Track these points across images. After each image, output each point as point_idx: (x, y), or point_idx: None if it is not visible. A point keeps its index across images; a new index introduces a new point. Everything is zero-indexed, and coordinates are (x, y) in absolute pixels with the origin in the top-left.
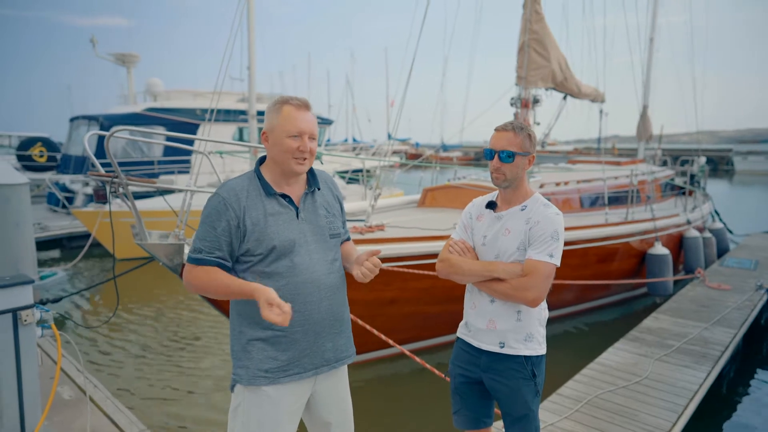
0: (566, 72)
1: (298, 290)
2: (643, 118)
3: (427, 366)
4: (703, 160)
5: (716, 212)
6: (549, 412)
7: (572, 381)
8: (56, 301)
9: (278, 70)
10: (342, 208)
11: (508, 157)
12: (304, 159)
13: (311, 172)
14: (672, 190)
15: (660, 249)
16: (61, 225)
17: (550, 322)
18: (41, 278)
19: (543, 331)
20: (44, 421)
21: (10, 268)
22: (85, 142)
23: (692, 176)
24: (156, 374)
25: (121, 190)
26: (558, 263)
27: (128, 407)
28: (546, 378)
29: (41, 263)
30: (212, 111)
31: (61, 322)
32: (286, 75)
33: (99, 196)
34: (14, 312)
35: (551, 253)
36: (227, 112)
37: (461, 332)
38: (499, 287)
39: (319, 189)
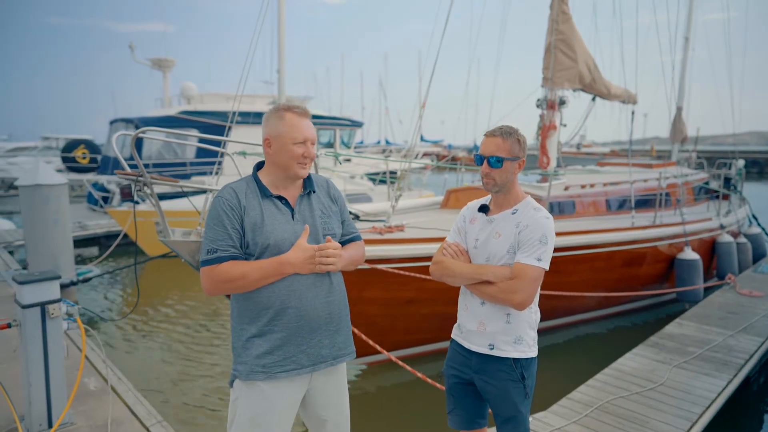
0: (595, 73)
1: (293, 287)
2: (677, 119)
3: (427, 379)
4: (741, 162)
5: (754, 217)
6: (557, 416)
7: (584, 386)
8: (86, 281)
9: (312, 72)
10: (342, 208)
11: (497, 162)
12: (307, 163)
13: (307, 176)
14: (706, 193)
15: (690, 254)
16: (99, 223)
17: (574, 325)
18: (78, 275)
19: (533, 334)
20: (69, 410)
21: (49, 263)
22: (113, 142)
23: (728, 179)
24: (176, 368)
25: (145, 188)
26: (546, 267)
27: (147, 399)
28: (560, 382)
29: (81, 261)
30: (233, 113)
31: (95, 322)
32: (320, 77)
33: (125, 194)
34: (42, 306)
35: (539, 256)
36: (257, 114)
37: (454, 333)
38: (487, 290)
39: (314, 191)
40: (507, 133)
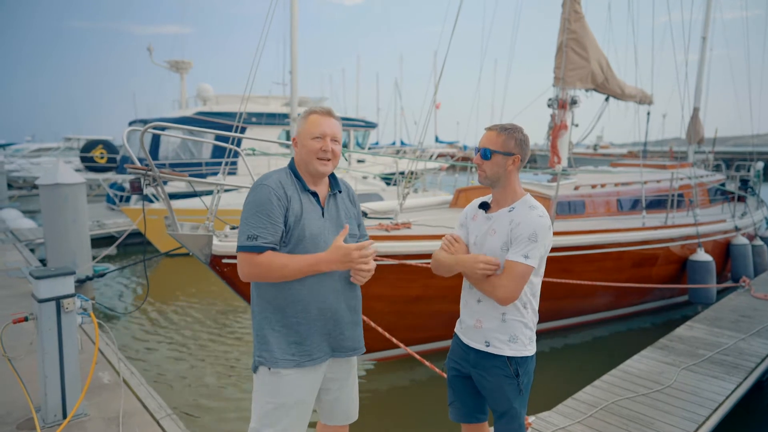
0: (607, 73)
1: (324, 282)
2: (694, 120)
3: (434, 368)
4: (760, 164)
5: None
6: (562, 416)
7: (590, 386)
8: (101, 275)
9: (328, 73)
10: (358, 212)
11: (486, 153)
12: (328, 160)
13: (332, 176)
14: (722, 195)
15: (702, 256)
16: (116, 222)
17: (584, 326)
18: (94, 271)
19: (530, 333)
20: (83, 402)
21: (67, 260)
22: (124, 138)
23: (746, 181)
24: (187, 363)
25: (154, 182)
26: (534, 264)
27: (158, 393)
28: (567, 383)
29: (99, 259)
30: (240, 114)
31: (108, 317)
32: (336, 77)
33: (134, 188)
34: (57, 300)
35: (527, 254)
36: (271, 115)
37: (456, 328)
38: (479, 284)
39: (340, 192)
40: (504, 129)
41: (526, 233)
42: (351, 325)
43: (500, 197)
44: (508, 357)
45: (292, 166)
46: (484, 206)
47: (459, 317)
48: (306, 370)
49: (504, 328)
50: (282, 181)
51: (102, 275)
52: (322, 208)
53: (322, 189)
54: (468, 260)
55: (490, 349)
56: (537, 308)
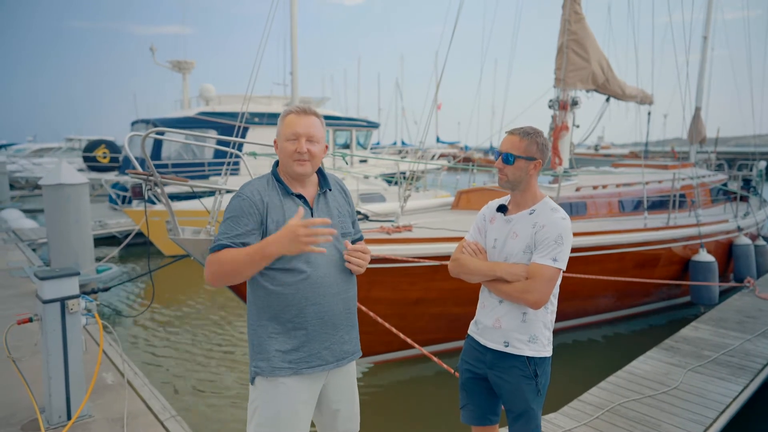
0: (608, 73)
1: (317, 284)
2: (695, 120)
3: (443, 365)
4: (762, 164)
5: None
6: (568, 418)
7: (596, 388)
8: (106, 290)
9: (329, 73)
10: (352, 209)
11: (509, 158)
12: (305, 160)
13: (322, 175)
14: (725, 195)
15: (704, 256)
16: (119, 222)
17: (586, 327)
18: (97, 272)
19: (548, 334)
20: (87, 402)
21: (70, 260)
22: (125, 142)
23: (748, 181)
24: (191, 364)
25: (156, 187)
26: (563, 267)
27: (162, 394)
28: (572, 384)
29: (101, 259)
30: (242, 114)
31: (112, 317)
32: (337, 78)
33: (136, 194)
34: (62, 301)
35: (555, 257)
36: (273, 115)
37: (471, 329)
38: (504, 288)
39: (330, 190)
40: (525, 133)
41: (552, 236)
42: (348, 328)
43: (520, 200)
44: (528, 357)
45: (274, 171)
46: (502, 209)
47: (473, 319)
48: (304, 378)
49: (524, 328)
50: (260, 188)
51: (107, 289)
52: (311, 209)
53: (310, 190)
54: (505, 267)
55: (509, 350)
56: (555, 309)
